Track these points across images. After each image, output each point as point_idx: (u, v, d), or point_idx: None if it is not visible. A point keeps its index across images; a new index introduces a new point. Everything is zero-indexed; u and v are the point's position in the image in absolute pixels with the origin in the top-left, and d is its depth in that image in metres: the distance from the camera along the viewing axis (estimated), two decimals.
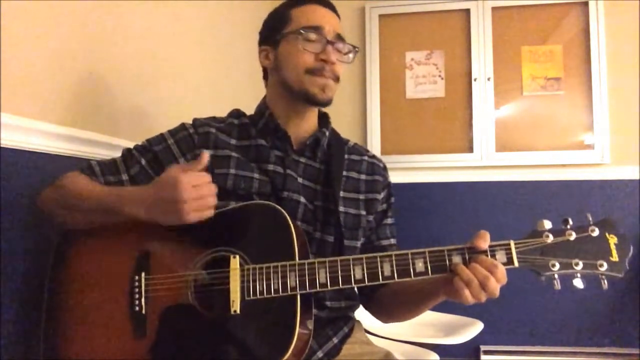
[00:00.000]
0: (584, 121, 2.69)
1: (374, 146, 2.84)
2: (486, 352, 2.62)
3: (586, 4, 2.68)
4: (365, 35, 2.88)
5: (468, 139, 2.79)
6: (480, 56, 2.77)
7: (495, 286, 0.84)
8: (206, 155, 0.91)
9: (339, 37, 1.07)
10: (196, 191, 0.85)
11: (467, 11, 2.80)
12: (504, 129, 2.76)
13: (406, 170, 2.79)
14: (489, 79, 2.76)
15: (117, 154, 1.11)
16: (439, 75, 2.84)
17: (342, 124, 2.86)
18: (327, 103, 1.08)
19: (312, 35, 1.04)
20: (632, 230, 2.51)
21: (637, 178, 2.57)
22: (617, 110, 2.64)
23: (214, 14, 2.03)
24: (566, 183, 2.64)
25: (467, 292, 0.84)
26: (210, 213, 0.88)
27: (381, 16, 2.89)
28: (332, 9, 1.10)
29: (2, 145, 0.97)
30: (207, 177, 0.88)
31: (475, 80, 2.77)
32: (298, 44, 1.04)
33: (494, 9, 2.78)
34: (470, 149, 2.77)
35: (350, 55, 1.10)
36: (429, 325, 2.12)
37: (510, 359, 2.61)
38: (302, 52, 1.04)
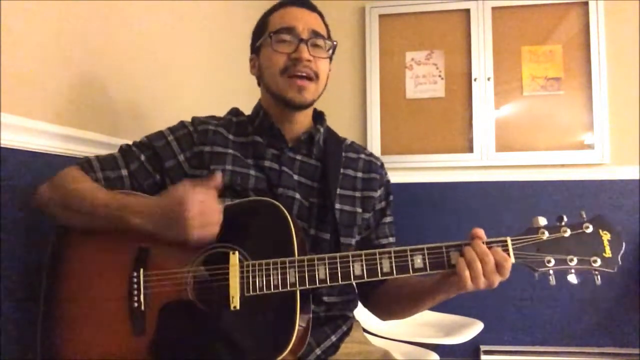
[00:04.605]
0: (584, 121, 2.69)
1: (374, 146, 2.84)
2: (486, 352, 2.62)
3: (586, 4, 2.68)
4: (365, 35, 2.88)
5: (468, 139, 2.78)
6: (480, 56, 2.77)
7: (493, 268, 0.85)
8: (219, 176, 0.92)
9: (316, 34, 1.06)
10: (201, 207, 0.85)
11: (467, 11, 2.80)
12: (504, 129, 2.76)
13: (406, 170, 2.79)
14: (489, 79, 2.76)
15: None
16: (439, 75, 2.84)
17: (342, 123, 2.86)
18: (306, 105, 1.08)
19: (285, 36, 1.05)
20: (632, 230, 2.52)
21: (637, 178, 2.57)
22: (617, 110, 2.64)
23: (214, 14, 2.03)
24: (566, 183, 2.64)
25: (467, 274, 0.85)
26: (214, 229, 0.87)
27: (381, 16, 2.89)
28: (309, 7, 1.11)
29: (2, 145, 0.97)
30: (213, 194, 0.89)
31: (475, 80, 2.77)
32: (271, 47, 1.06)
33: (494, 9, 2.77)
34: (470, 149, 2.77)
35: (330, 50, 1.10)
36: (429, 325, 2.12)
37: (510, 359, 2.61)
38: (275, 54, 1.05)
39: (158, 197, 0.92)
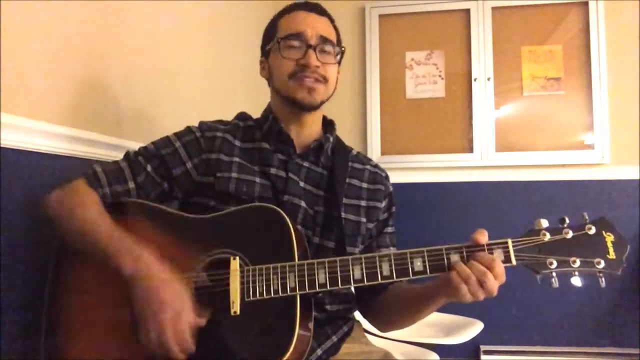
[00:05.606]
0: (584, 121, 2.69)
1: (374, 146, 2.84)
2: (486, 352, 2.62)
3: (586, 4, 2.68)
4: (365, 35, 2.88)
5: (468, 139, 2.78)
6: (480, 56, 2.77)
7: (493, 283, 0.84)
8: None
9: (325, 40, 1.06)
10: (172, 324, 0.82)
11: (467, 11, 2.80)
12: (504, 129, 2.76)
13: (406, 170, 2.78)
14: (489, 79, 2.76)
15: (118, 154, 1.11)
16: (439, 75, 2.84)
17: (342, 124, 2.83)
18: (315, 106, 1.07)
19: (293, 42, 1.05)
20: (631, 230, 2.51)
21: (637, 178, 2.56)
22: (617, 110, 2.64)
23: (216, 14, 2.02)
24: (566, 183, 2.64)
25: (464, 289, 0.84)
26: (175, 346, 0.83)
27: (381, 16, 2.89)
28: (319, 11, 1.11)
29: (2, 145, 0.97)
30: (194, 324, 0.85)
31: (475, 80, 2.77)
32: (280, 52, 1.06)
33: (494, 9, 2.77)
34: (470, 149, 2.77)
35: (338, 56, 1.09)
36: (429, 325, 2.11)
37: (510, 359, 2.61)
38: (284, 59, 1.05)
39: (160, 268, 0.87)
